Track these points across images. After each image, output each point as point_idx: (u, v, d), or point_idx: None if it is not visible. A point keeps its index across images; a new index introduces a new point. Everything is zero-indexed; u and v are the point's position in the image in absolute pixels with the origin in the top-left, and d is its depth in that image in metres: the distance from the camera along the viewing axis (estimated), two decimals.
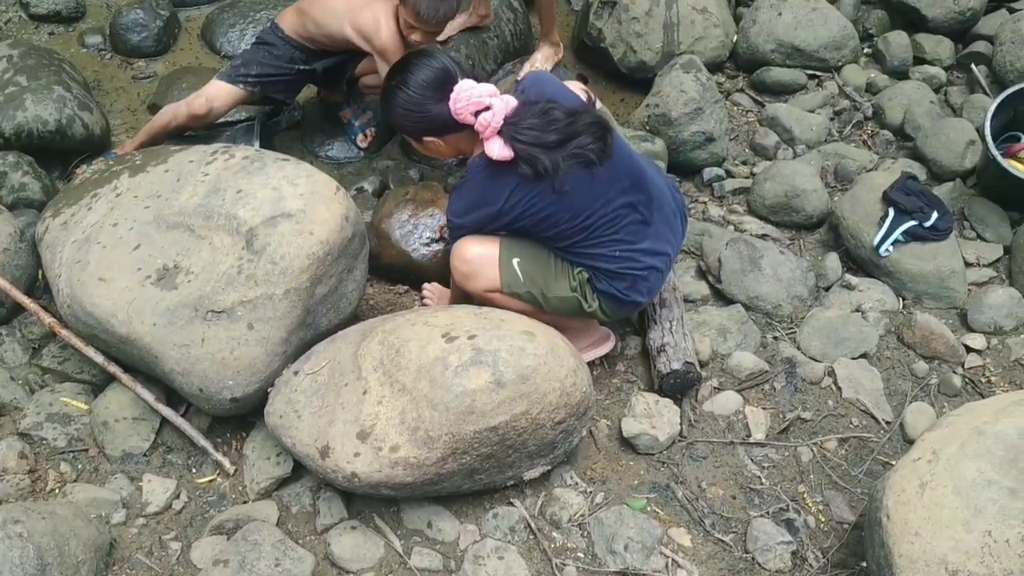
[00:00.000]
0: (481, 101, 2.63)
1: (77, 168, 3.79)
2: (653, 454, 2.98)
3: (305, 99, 4.27)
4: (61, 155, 3.80)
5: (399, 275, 3.51)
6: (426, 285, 3.38)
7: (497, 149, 2.62)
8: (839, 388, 3.21)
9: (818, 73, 4.56)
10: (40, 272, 3.27)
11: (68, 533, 2.45)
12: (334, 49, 3.75)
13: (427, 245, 3.47)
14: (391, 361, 2.63)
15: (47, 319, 3.00)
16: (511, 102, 2.66)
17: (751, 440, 3.04)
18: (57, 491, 2.74)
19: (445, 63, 2.73)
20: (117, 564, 2.59)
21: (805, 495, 2.91)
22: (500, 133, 2.62)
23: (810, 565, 2.70)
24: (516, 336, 2.64)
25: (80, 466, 2.84)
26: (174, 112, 3.74)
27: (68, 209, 3.17)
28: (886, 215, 3.58)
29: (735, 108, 4.45)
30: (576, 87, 2.96)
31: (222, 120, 4.00)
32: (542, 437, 2.63)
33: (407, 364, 2.60)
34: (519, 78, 4.13)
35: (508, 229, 2.80)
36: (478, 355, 2.56)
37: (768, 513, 2.84)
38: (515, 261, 2.80)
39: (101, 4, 4.74)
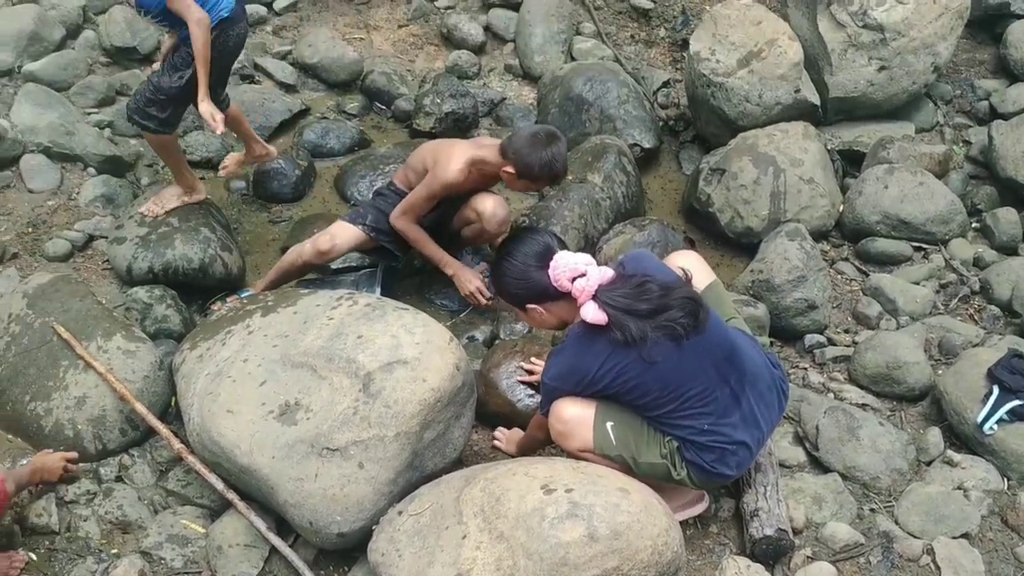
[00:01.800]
0: (577, 268, 2.82)
1: (213, 305, 4.11)
2: None
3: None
4: (201, 291, 4.14)
5: (504, 423, 3.65)
6: (500, 429, 3.58)
7: (592, 313, 2.78)
8: (938, 567, 3.17)
9: (924, 246, 4.63)
10: (173, 400, 3.53)
11: None
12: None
13: (531, 396, 3.62)
14: (491, 508, 2.75)
15: (176, 444, 3.24)
16: (607, 272, 2.84)
17: None
18: None
19: (547, 239, 2.99)
20: None
21: None
22: (595, 298, 2.79)
23: None
24: (612, 492, 2.74)
25: None
26: (299, 251, 4.06)
27: (204, 343, 3.44)
28: (991, 392, 3.57)
29: (839, 276, 4.54)
30: (684, 259, 3.15)
31: (346, 266, 4.31)
32: None
33: (506, 513, 2.71)
34: None
35: (601, 395, 2.92)
36: (574, 508, 2.66)
37: None
38: (609, 425, 2.92)
39: None
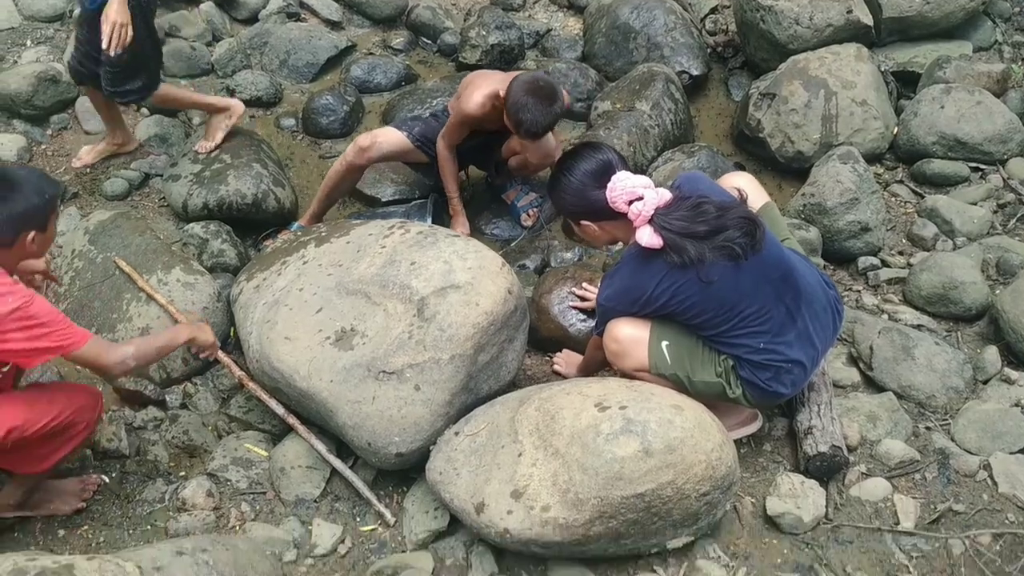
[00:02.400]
0: (635, 191, 2.80)
1: (265, 240, 4.18)
2: (797, 534, 3.01)
3: (474, 179, 4.56)
4: (255, 225, 4.21)
5: (556, 348, 3.68)
6: (559, 353, 3.60)
7: (647, 237, 2.77)
8: (995, 483, 3.16)
9: (981, 166, 4.54)
10: (232, 330, 3.61)
11: (247, 565, 2.69)
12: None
13: (583, 321, 3.64)
14: (546, 426, 2.79)
15: (238, 372, 3.32)
16: (664, 195, 2.82)
17: (899, 528, 3.03)
18: (238, 528, 3.01)
19: (608, 156, 2.93)
20: None
21: None
22: (651, 222, 2.78)
23: None
24: (665, 408, 2.77)
25: (258, 507, 3.11)
26: (342, 157, 4.10)
27: (260, 274, 3.51)
28: None
29: (893, 199, 4.48)
30: (738, 179, 3.13)
31: (397, 199, 4.34)
32: (686, 507, 2.73)
33: (561, 430, 2.76)
34: None
35: (656, 315, 2.93)
36: (628, 424, 2.70)
37: None
38: (664, 344, 2.93)
39: (296, 91, 5.21)
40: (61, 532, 2.96)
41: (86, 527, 2.99)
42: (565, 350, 3.63)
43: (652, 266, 2.83)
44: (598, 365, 3.31)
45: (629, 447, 2.66)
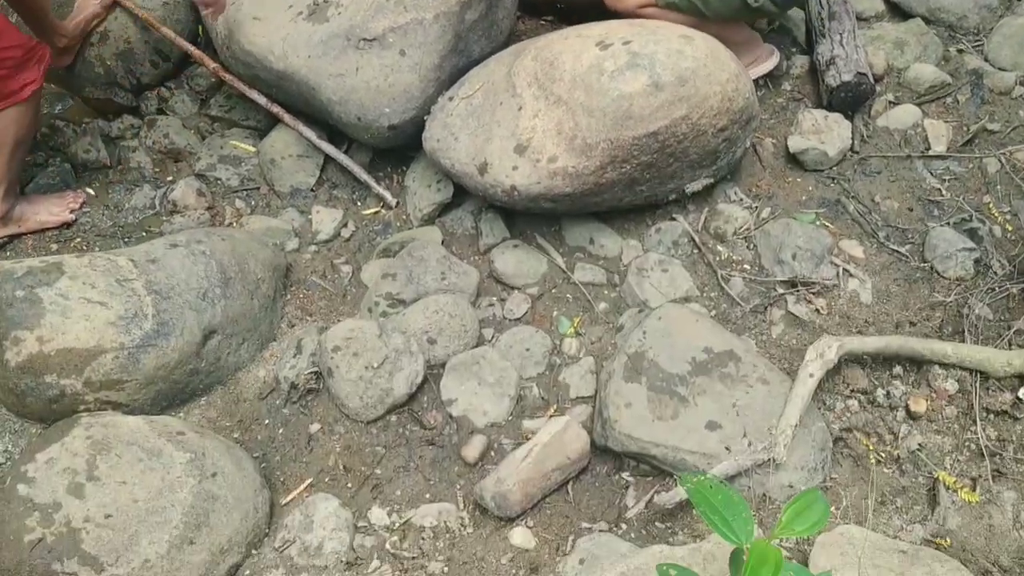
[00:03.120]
0: None
1: None
2: (822, 170, 2.84)
3: None
4: None
5: (551, 10, 3.38)
6: None
7: None
8: None
9: None
10: (199, 27, 3.31)
11: (246, 253, 2.57)
12: None
13: None
14: (545, 75, 2.56)
15: (212, 64, 3.06)
16: None
17: (931, 153, 2.85)
18: (234, 224, 2.87)
19: None
20: (295, 285, 2.71)
21: (991, 205, 2.72)
22: None
23: (994, 272, 2.55)
24: (673, 40, 2.52)
25: (253, 202, 2.95)
26: None
27: None
28: None
29: None
30: None
31: None
32: (704, 145, 2.54)
33: (561, 76, 2.52)
34: None
35: None
36: (634, 59, 2.46)
37: (949, 223, 2.68)
38: None
39: None
40: (54, 247, 2.82)
41: (78, 240, 2.85)
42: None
43: None
44: None
45: (637, 82, 2.43)
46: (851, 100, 2.91)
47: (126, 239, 2.85)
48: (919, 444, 2.18)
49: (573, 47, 2.57)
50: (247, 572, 2.06)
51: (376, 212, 2.91)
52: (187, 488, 2.03)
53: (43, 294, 2.23)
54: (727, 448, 2.10)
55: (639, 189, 2.59)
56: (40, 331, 2.20)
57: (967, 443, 2.18)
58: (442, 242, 2.74)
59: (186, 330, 2.32)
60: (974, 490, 2.08)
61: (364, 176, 2.92)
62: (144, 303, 2.29)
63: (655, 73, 2.43)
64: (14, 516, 1.95)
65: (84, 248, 2.83)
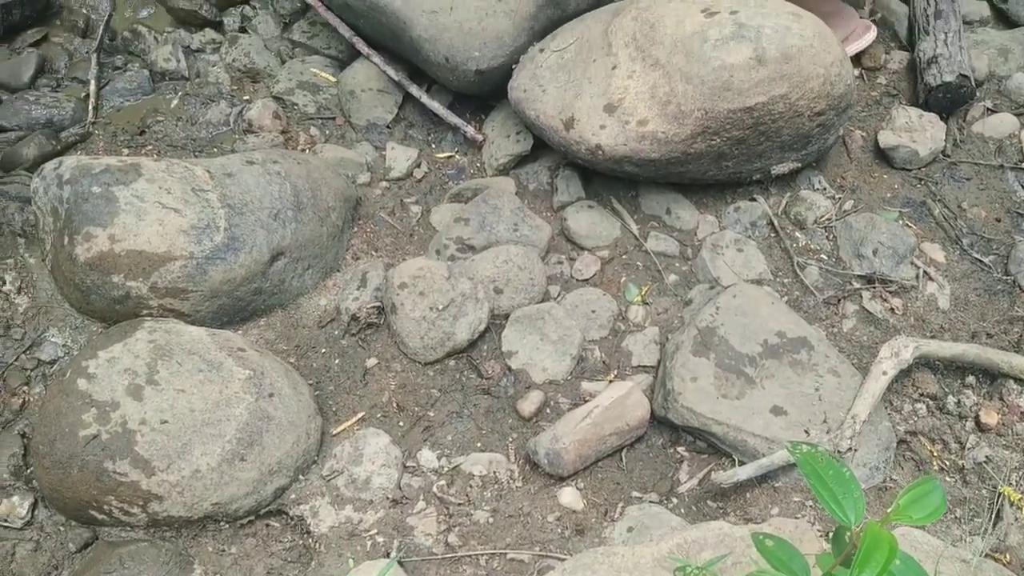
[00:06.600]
0: None
1: None
2: (910, 169, 2.76)
3: None
4: None
5: None
6: None
7: None
8: None
9: None
10: None
11: (320, 180, 2.53)
12: None
13: None
14: (644, 36, 2.49)
15: None
16: None
17: None
18: (307, 150, 2.83)
19: None
20: (363, 219, 2.67)
21: None
22: None
23: None
24: (782, 15, 2.44)
25: (328, 132, 2.91)
26: None
27: None
28: None
29: None
30: None
31: None
32: (798, 127, 2.47)
33: (662, 39, 2.46)
34: None
35: None
36: (740, 30, 2.39)
37: None
38: None
39: None
40: (126, 151, 2.80)
41: (150, 147, 2.82)
42: None
43: None
44: None
45: (740, 54, 2.36)
46: (949, 102, 2.83)
47: (197, 152, 2.82)
48: (986, 456, 2.13)
49: (676, 11, 2.51)
50: (292, 496, 2.04)
51: (450, 156, 2.86)
52: (243, 405, 2.00)
53: (119, 193, 2.21)
54: (805, 431, 2.05)
55: (725, 164, 2.53)
56: (112, 230, 2.17)
57: None
58: (515, 193, 2.69)
59: (255, 248, 2.29)
60: None
61: (452, 117, 2.85)
62: (217, 215, 2.26)
63: (760, 47, 2.36)
64: (71, 409, 1.93)
65: (156, 156, 2.80)
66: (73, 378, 1.98)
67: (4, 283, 2.33)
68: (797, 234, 2.60)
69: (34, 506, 2.02)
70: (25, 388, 2.20)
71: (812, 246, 2.58)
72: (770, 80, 2.36)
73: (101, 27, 3.02)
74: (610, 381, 2.29)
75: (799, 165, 2.62)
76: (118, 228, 2.18)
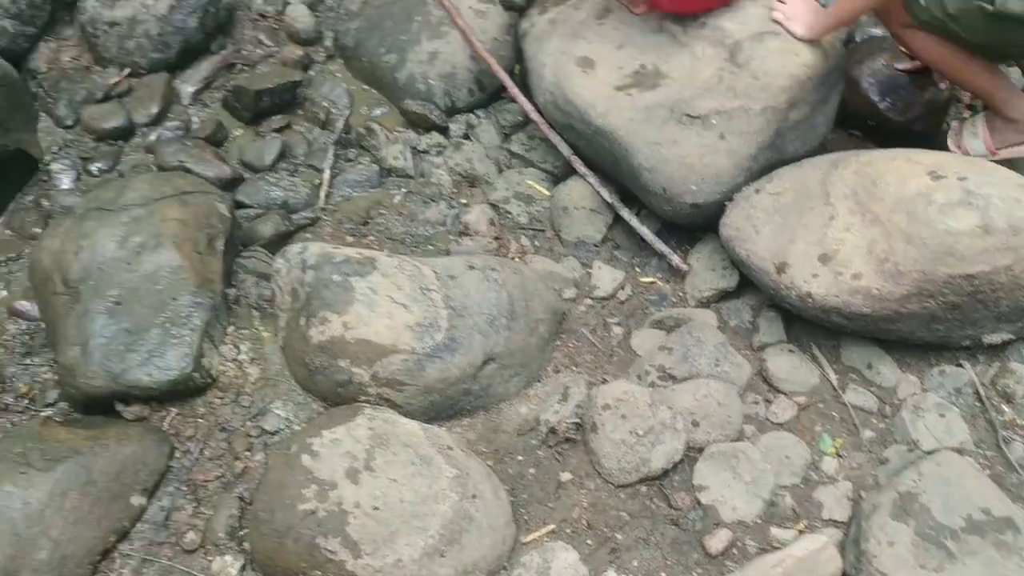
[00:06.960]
0: None
1: None
2: None
3: None
4: None
5: (856, 123, 3.34)
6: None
7: None
8: None
9: None
10: (516, 67, 3.46)
11: (533, 291, 2.65)
12: None
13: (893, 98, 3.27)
14: (865, 191, 2.54)
15: (527, 103, 3.19)
16: None
17: None
18: (517, 259, 2.96)
19: None
20: (565, 334, 2.76)
21: None
22: None
23: None
24: (1011, 186, 2.45)
25: (537, 243, 3.04)
26: None
27: (555, 8, 3.31)
28: None
29: None
30: None
31: None
32: (1017, 299, 2.44)
33: (883, 196, 2.50)
34: None
35: None
36: (968, 196, 2.41)
37: None
38: None
39: None
40: (349, 239, 3.00)
41: (371, 238, 3.02)
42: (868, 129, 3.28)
43: None
44: (849, 15, 2.83)
45: (967, 221, 2.38)
46: None
47: (414, 248, 2.99)
48: None
49: (900, 169, 2.55)
50: None
51: (653, 282, 2.94)
52: (449, 502, 2.09)
53: (356, 284, 2.38)
54: None
55: (935, 327, 2.52)
56: (346, 317, 2.34)
57: None
58: (717, 327, 2.74)
59: (471, 351, 2.41)
60: None
61: (660, 244, 2.93)
62: (440, 315, 2.40)
63: (988, 216, 2.37)
64: (294, 483, 2.07)
65: (376, 248, 2.98)
66: (298, 453, 2.12)
67: (239, 351, 2.52)
68: (1004, 407, 2.55)
69: (243, 568, 2.15)
70: (247, 453, 2.36)
71: (1020, 421, 2.52)
72: (995, 250, 2.36)
73: (340, 121, 3.27)
74: (800, 531, 2.28)
75: (1013, 337, 2.58)
76: (351, 316, 2.34)
